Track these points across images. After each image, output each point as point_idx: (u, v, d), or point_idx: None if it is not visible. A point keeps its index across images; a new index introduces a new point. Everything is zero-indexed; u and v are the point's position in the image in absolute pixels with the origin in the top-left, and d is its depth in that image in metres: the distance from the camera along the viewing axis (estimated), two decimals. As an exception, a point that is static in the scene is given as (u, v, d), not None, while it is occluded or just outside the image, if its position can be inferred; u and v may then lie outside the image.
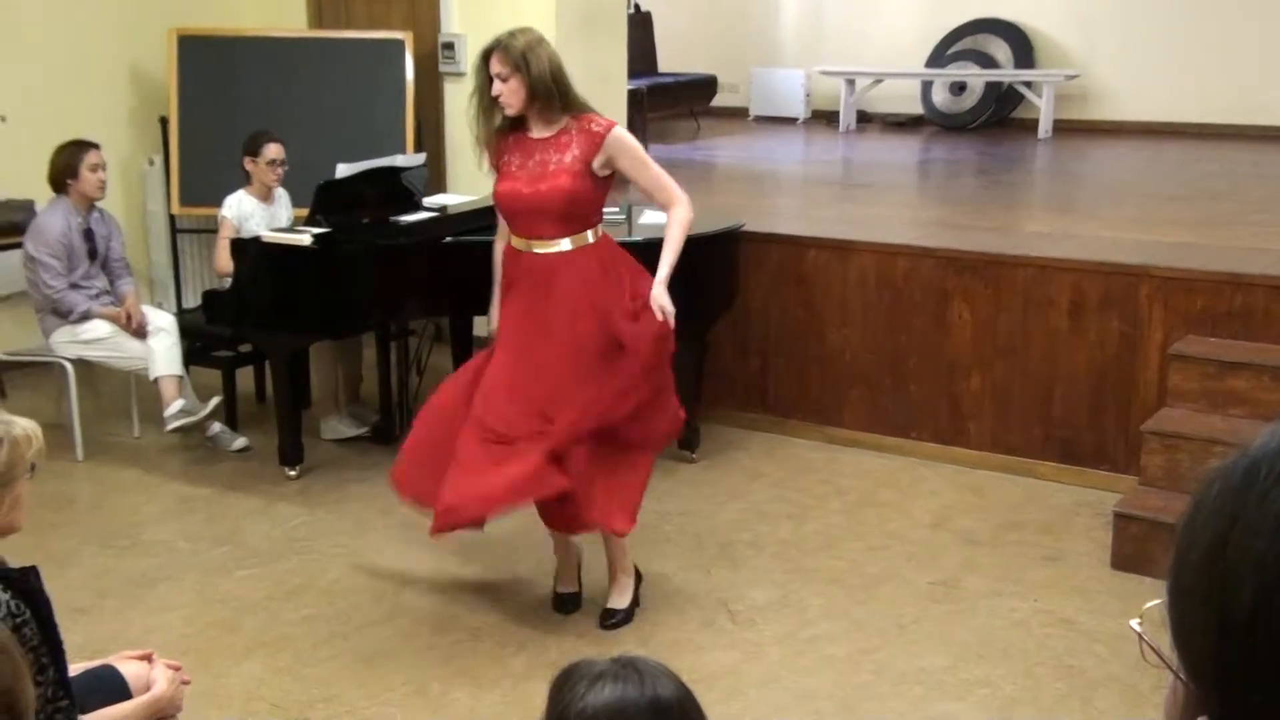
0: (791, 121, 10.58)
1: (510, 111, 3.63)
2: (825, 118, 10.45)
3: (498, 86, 3.61)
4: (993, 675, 3.50)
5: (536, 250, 3.65)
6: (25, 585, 2.08)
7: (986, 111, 10.00)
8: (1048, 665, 3.56)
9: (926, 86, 10.26)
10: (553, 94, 3.60)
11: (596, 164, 3.63)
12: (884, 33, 10.47)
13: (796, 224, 5.88)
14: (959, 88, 10.14)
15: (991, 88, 9.97)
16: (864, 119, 10.36)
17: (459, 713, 3.34)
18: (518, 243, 3.70)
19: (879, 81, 10.19)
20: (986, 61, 10.06)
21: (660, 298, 3.65)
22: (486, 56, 3.63)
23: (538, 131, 3.68)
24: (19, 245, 5.21)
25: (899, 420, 5.24)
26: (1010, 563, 4.21)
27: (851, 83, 10.09)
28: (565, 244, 3.65)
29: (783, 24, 11.13)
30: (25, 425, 2.14)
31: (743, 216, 5.39)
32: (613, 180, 3.74)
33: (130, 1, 6.43)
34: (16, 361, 5.51)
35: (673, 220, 3.75)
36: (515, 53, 3.57)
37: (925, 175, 8.48)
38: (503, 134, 3.71)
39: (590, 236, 3.70)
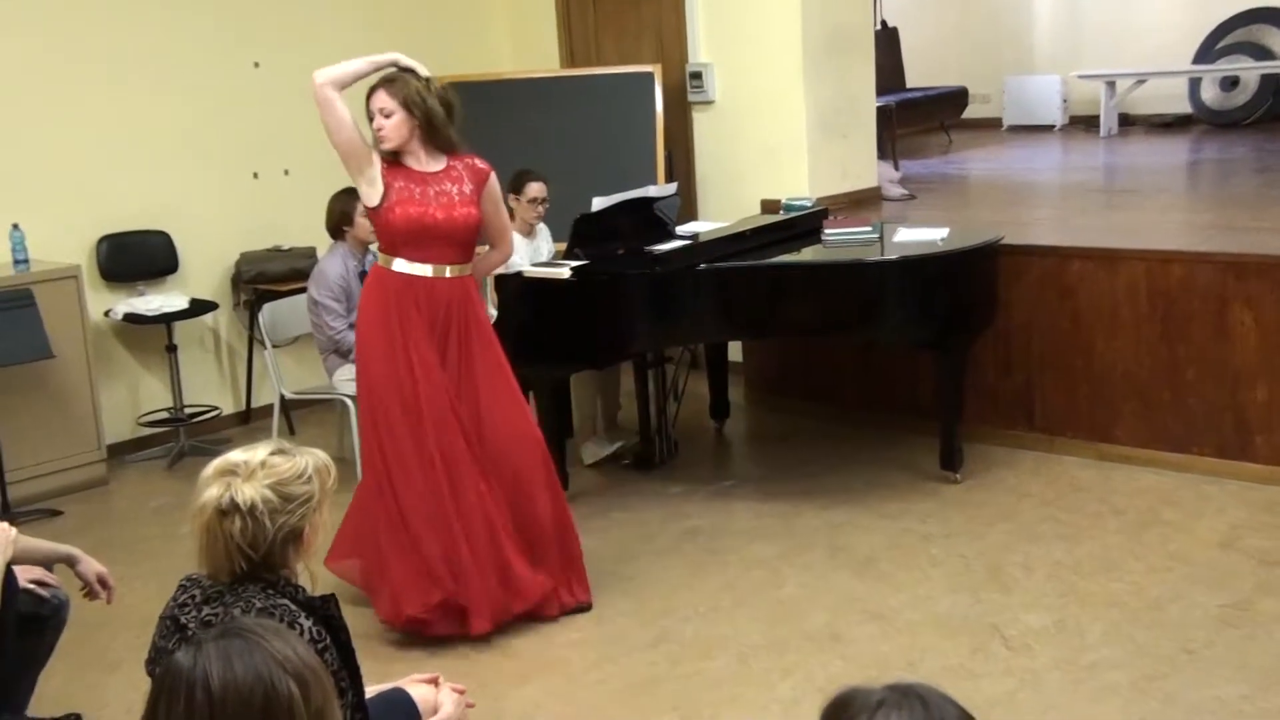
0: (1048, 129, 10.22)
1: (387, 146, 3.84)
2: (1084, 123, 10.05)
3: (379, 122, 3.82)
4: (1299, 708, 3.25)
5: (448, 275, 3.88)
6: (326, 613, 2.21)
7: (1263, 106, 9.40)
8: (1362, 698, 3.27)
9: (1194, 84, 9.73)
10: (436, 133, 3.85)
11: (480, 196, 3.93)
12: (1146, 31, 10.00)
13: (1058, 234, 5.66)
14: (1231, 83, 9.57)
15: (1268, 80, 9.37)
16: (1126, 122, 9.91)
17: (728, 738, 3.35)
18: (413, 267, 3.85)
19: (1142, 82, 9.72)
20: (1261, 53, 9.46)
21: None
22: (371, 92, 3.85)
23: (421, 165, 3.88)
24: (303, 291, 5.56)
25: (1178, 435, 4.95)
26: (1313, 586, 3.91)
27: (1112, 85, 9.67)
28: (468, 268, 3.95)
29: (1036, 30, 10.78)
30: (322, 457, 2.28)
31: (1000, 229, 5.22)
32: None
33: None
34: (303, 400, 5.89)
35: (490, 258, 4.18)
36: (404, 92, 3.81)
37: (1196, 177, 8.01)
38: (389, 160, 3.86)
39: (470, 266, 3.99)
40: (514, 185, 5.37)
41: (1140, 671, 3.48)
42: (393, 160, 3.87)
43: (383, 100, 3.83)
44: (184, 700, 1.46)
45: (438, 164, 3.90)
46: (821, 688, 3.40)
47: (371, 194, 3.85)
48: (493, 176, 4.00)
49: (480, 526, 3.90)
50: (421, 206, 3.82)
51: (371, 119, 3.85)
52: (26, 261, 5.49)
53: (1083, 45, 10.36)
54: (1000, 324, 5.15)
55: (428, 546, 3.86)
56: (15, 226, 5.49)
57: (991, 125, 10.55)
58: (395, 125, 3.81)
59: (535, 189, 5.35)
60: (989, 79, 10.51)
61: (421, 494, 3.86)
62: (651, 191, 5.37)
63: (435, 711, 2.54)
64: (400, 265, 3.86)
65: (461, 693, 2.62)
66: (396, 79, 3.85)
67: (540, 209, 5.37)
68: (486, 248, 4.18)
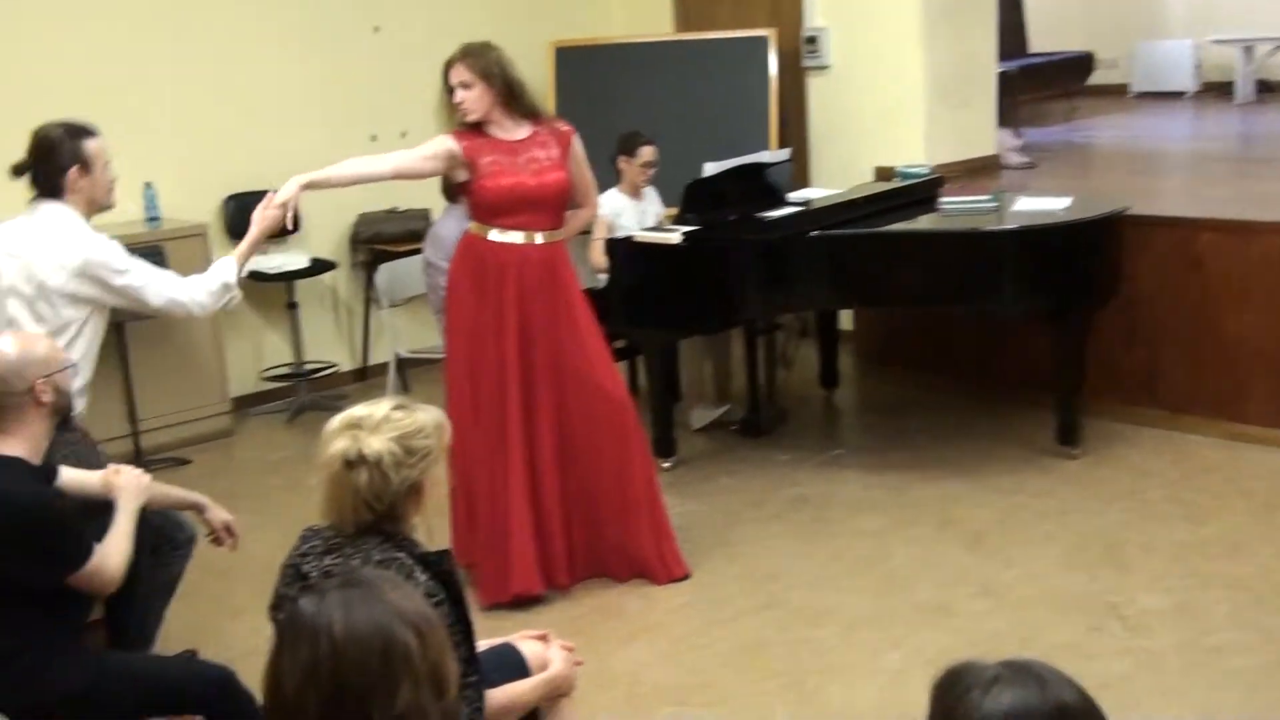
0: (1178, 96, 9.88)
1: (471, 118, 3.86)
2: (1217, 89, 9.70)
3: (460, 94, 3.83)
4: None
5: (539, 241, 3.91)
6: (440, 567, 2.25)
7: None
8: None
9: (1338, 48, 9.32)
10: (518, 101, 3.87)
11: (567, 160, 3.96)
12: (1288, -8, 9.58)
13: (1187, 205, 5.48)
14: (1378, 47, 9.14)
15: None
16: (1265, 89, 9.53)
17: (834, 707, 3.32)
18: (506, 235, 3.88)
19: (1281, 47, 9.34)
20: None
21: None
22: (449, 66, 3.85)
23: (506, 134, 3.88)
24: (418, 252, 5.63)
25: (1311, 415, 4.77)
26: None
27: (1249, 50, 9.30)
28: (560, 233, 3.99)
29: (1169, -8, 10.42)
30: (438, 414, 2.32)
31: (1126, 199, 5.07)
32: None
33: (513, 19, 6.81)
34: (417, 358, 5.99)
35: (579, 215, 4.16)
36: (481, 64, 3.81)
37: (1337, 146, 7.69)
38: (470, 134, 3.86)
39: (561, 231, 4.02)
40: (626, 147, 5.36)
41: (1266, 657, 3.37)
42: (477, 131, 3.89)
43: (461, 73, 3.85)
44: (308, 646, 1.50)
45: (522, 131, 3.92)
46: (931, 660, 3.35)
47: (460, 173, 3.92)
48: (576, 138, 4.02)
49: (522, 500, 3.95)
50: (514, 176, 3.85)
51: (452, 92, 3.88)
52: (158, 219, 5.67)
53: (1218, 8, 9.97)
54: (1124, 296, 5.00)
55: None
56: (148, 185, 5.67)
57: (1118, 92, 10.23)
58: (476, 97, 3.84)
59: (648, 153, 5.35)
60: (1117, 43, 10.18)
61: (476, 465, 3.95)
62: (764, 157, 5.33)
63: (544, 667, 2.57)
64: (493, 234, 3.91)
65: (570, 650, 2.65)
66: (473, 50, 3.88)
67: (650, 172, 5.37)
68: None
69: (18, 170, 3.47)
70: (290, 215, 3.65)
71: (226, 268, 3.59)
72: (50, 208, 3.45)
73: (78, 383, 3.38)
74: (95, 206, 3.52)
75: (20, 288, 3.42)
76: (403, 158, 3.93)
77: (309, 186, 3.76)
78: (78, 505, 2.88)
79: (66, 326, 3.41)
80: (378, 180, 4.03)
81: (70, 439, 3.22)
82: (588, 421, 4.00)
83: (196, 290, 3.54)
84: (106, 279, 3.42)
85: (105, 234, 3.52)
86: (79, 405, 3.42)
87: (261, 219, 3.63)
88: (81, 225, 3.46)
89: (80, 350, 3.45)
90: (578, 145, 4.03)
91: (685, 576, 4.08)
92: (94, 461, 3.23)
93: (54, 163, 3.43)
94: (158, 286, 3.49)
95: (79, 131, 3.47)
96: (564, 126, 4.02)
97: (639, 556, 4.06)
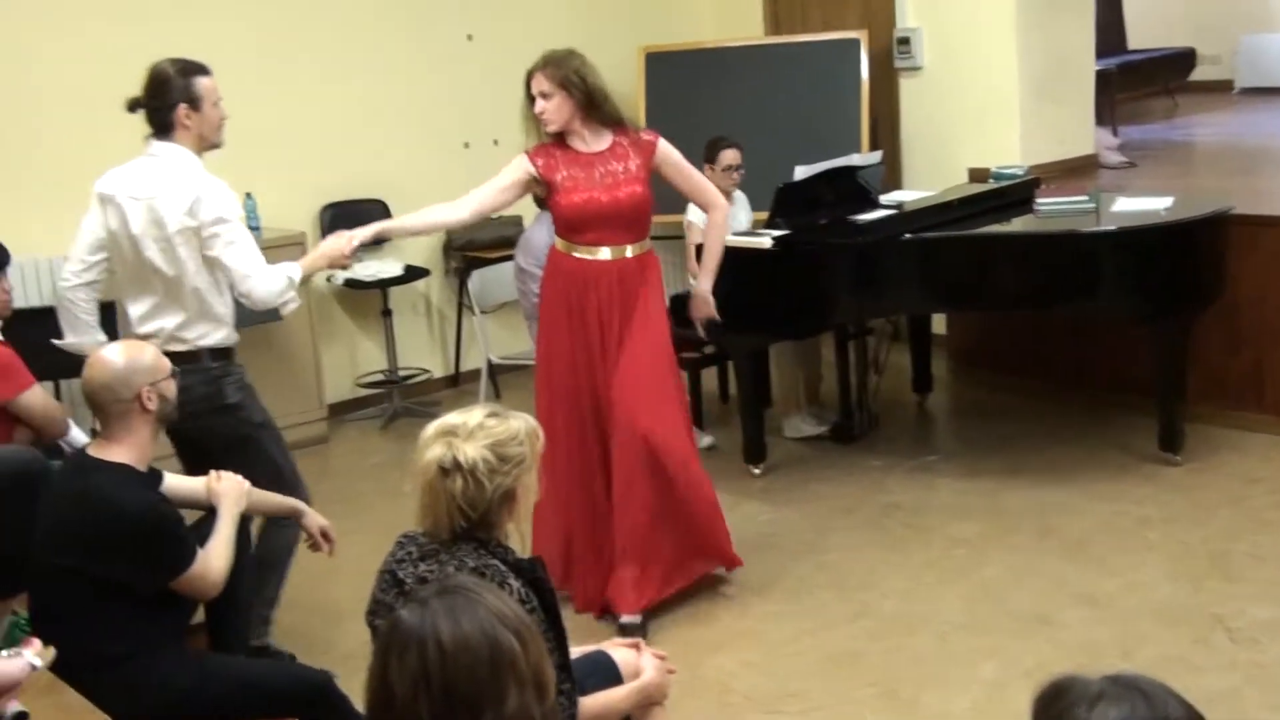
0: (1285, 91, 9.59)
1: (551, 128, 3.81)
2: (1327, 84, 9.39)
3: (540, 104, 3.78)
4: None
5: (629, 254, 3.86)
6: (533, 574, 2.28)
7: None
8: None
9: None
10: (598, 110, 3.79)
11: (650, 171, 3.87)
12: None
13: (1296, 204, 5.31)
14: None
15: None
16: (1376, 83, 9.22)
17: (928, 717, 3.28)
18: (591, 253, 3.84)
19: (1394, 38, 9.02)
20: None
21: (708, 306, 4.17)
22: (530, 75, 3.81)
23: (586, 146, 3.83)
24: (510, 259, 5.68)
25: None
26: None
27: (1360, 42, 9.00)
28: (648, 244, 3.93)
29: (1274, -16, 10.11)
30: (531, 422, 2.34)
31: (1231, 199, 4.93)
32: None
33: (604, 25, 6.84)
34: (508, 365, 6.04)
35: (713, 225, 4.12)
36: (561, 73, 3.75)
37: None
38: (547, 149, 3.83)
39: (649, 243, 3.94)
40: (708, 154, 5.32)
41: (1380, 672, 3.26)
42: (557, 143, 3.86)
43: (541, 83, 3.81)
44: (416, 655, 1.51)
45: (602, 142, 3.85)
46: (1029, 671, 3.31)
47: (538, 191, 3.94)
48: (661, 144, 3.90)
49: (591, 516, 3.95)
50: (586, 192, 3.79)
51: (533, 101, 3.85)
52: (259, 228, 5.80)
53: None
54: (1228, 299, 4.87)
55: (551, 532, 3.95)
56: (249, 195, 5.79)
57: (1222, 88, 9.96)
58: (555, 107, 3.79)
59: (730, 156, 5.29)
60: (1220, 38, 9.91)
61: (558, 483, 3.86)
62: (855, 160, 5.28)
63: (636, 675, 2.57)
64: (577, 252, 3.87)
65: (662, 658, 2.65)
66: (553, 59, 3.83)
67: (735, 176, 5.30)
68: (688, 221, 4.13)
69: (132, 106, 3.52)
70: (352, 251, 3.71)
71: (292, 268, 3.60)
72: (163, 147, 3.50)
73: (226, 329, 3.57)
74: (205, 144, 3.55)
75: (150, 230, 3.47)
76: (482, 197, 3.90)
77: (384, 233, 3.91)
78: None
79: (185, 267, 3.46)
80: (459, 225, 4.15)
81: (238, 372, 3.59)
82: (627, 456, 3.86)
83: (268, 278, 3.51)
84: (207, 220, 3.43)
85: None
86: (233, 337, 3.62)
87: (329, 243, 3.73)
88: (198, 165, 3.51)
89: (221, 285, 3.53)
90: (665, 149, 3.91)
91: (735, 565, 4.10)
92: (257, 401, 3.65)
93: (164, 98, 3.47)
94: (243, 252, 3.48)
95: (191, 69, 3.52)
96: (647, 136, 3.91)
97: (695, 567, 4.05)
